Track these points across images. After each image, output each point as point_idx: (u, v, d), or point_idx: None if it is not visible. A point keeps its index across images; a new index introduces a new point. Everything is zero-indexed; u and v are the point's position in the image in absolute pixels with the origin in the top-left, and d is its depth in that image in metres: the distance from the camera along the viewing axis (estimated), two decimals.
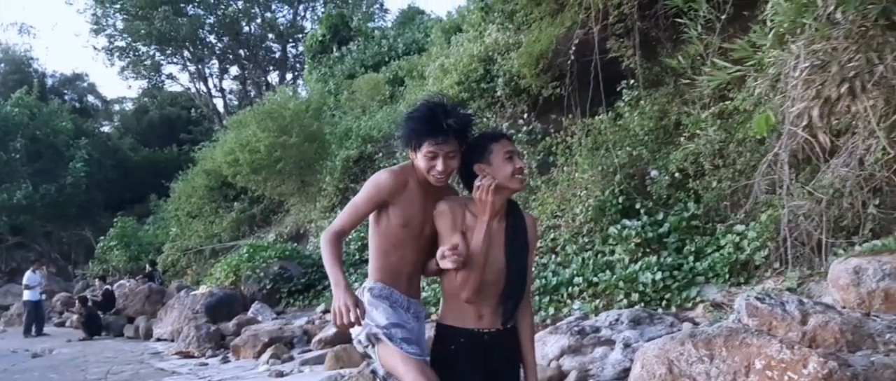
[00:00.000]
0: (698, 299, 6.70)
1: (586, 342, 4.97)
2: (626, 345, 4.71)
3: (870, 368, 3.86)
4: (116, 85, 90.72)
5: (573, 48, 10.87)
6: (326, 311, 11.77)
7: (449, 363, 2.45)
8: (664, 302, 6.77)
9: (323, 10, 36.46)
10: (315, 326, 10.26)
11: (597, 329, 5.10)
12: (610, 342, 4.96)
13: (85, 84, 42.99)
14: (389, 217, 2.53)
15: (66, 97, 40.21)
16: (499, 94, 12.79)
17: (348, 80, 22.91)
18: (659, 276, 6.88)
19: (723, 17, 5.28)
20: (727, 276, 6.97)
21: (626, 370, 4.36)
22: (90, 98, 43.29)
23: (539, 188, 10.54)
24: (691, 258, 7.38)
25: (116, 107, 44.32)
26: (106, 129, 40.45)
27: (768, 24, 4.16)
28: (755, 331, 3.94)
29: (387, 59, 23.30)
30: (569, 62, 10.94)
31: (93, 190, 29.28)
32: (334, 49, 25.53)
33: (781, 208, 6.18)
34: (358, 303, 2.26)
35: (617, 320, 5.19)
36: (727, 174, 7.83)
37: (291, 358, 8.77)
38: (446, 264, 2.32)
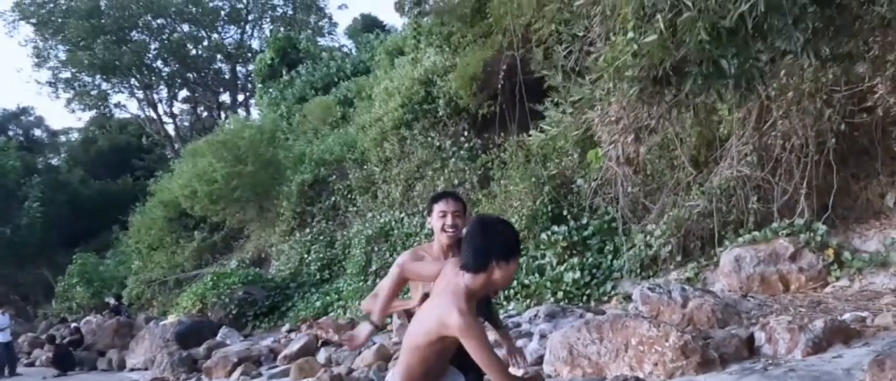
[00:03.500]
0: (613, 292, 7.73)
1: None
2: (542, 336, 5.67)
3: (725, 339, 4.89)
4: (64, 116, 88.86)
5: (502, 70, 11.92)
6: (291, 330, 12.50)
7: None
8: (585, 297, 7.79)
9: (271, 27, 36.81)
10: (281, 344, 11.00)
11: (518, 325, 6.07)
12: (529, 334, 5.93)
13: (31, 118, 42.38)
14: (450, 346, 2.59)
15: (11, 132, 39.60)
16: (440, 114, 13.74)
17: (299, 103, 23.58)
18: (579, 275, 7.90)
19: (576, 68, 6.45)
20: (639, 270, 8.03)
21: (542, 357, 5.31)
22: (37, 132, 42.69)
23: (480, 201, 11.49)
24: (610, 257, 8.43)
25: (63, 138, 43.63)
26: (54, 162, 39.94)
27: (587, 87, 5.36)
28: (633, 316, 4.95)
29: (336, 80, 24.00)
30: (499, 83, 11.98)
31: (47, 228, 29.17)
32: (284, 73, 26.09)
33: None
34: None
35: (535, 315, 6.18)
36: (637, 180, 8.91)
37: (260, 374, 9.53)
38: None
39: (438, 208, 3.24)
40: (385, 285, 3.23)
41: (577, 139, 7.21)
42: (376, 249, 13.09)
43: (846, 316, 5.27)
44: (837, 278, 6.60)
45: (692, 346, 4.51)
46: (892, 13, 4.35)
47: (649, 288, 5.96)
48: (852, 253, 6.78)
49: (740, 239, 7.26)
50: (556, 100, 6.83)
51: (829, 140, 6.97)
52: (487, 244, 2.43)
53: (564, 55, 6.61)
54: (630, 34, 4.23)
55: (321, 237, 15.65)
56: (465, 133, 13.42)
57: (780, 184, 7.50)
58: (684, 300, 5.75)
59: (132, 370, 13.41)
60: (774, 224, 7.25)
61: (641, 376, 4.43)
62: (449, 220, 3.20)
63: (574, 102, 5.88)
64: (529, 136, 11.17)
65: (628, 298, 7.44)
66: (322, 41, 34.20)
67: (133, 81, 36.47)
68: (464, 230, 3.14)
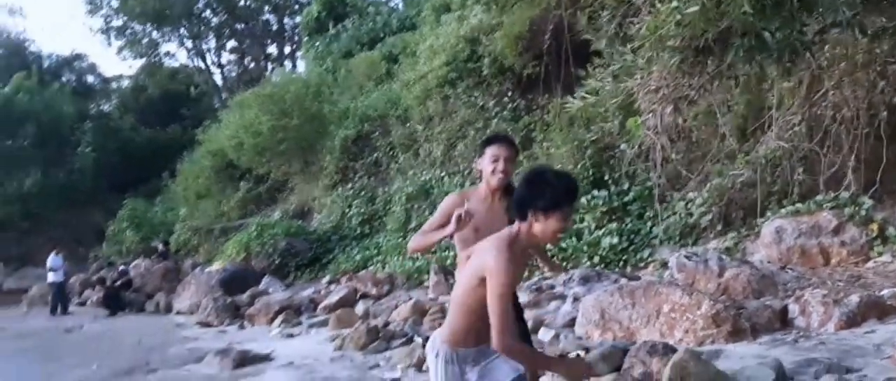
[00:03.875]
0: (650, 259, 7.74)
1: (543, 298, 6.04)
2: (575, 299, 5.77)
3: (758, 309, 4.90)
4: (115, 63, 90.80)
5: (549, 30, 11.77)
6: (331, 282, 12.84)
7: None
8: (622, 263, 7.82)
9: None
10: (321, 295, 11.34)
11: (552, 287, 6.16)
12: (563, 297, 6.03)
13: (84, 64, 43.16)
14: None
15: (65, 79, 40.54)
16: (485, 73, 13.66)
17: (345, 58, 23.67)
18: (617, 240, 7.92)
19: (621, 33, 6.36)
20: (678, 238, 8.00)
21: (574, 319, 5.42)
22: (90, 78, 43.54)
23: (521, 163, 11.49)
24: (649, 224, 8.41)
25: (114, 85, 44.40)
26: (105, 108, 40.80)
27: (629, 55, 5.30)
28: (666, 283, 4.99)
29: (382, 35, 23.96)
30: (545, 43, 11.85)
31: (99, 174, 30.11)
32: (330, 26, 26.14)
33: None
34: None
35: (569, 279, 6.26)
36: (681, 148, 8.82)
37: (300, 323, 9.87)
38: None
39: (491, 151, 3.28)
40: (430, 224, 3.34)
41: (619, 105, 7.19)
42: (416, 207, 13.25)
43: (884, 292, 5.20)
44: (880, 254, 6.49)
45: (724, 315, 4.55)
46: None
47: (686, 256, 5.98)
48: None
49: (783, 210, 7.17)
50: (597, 65, 6.79)
51: (881, 113, 6.79)
52: (528, 195, 2.40)
53: (608, 20, 6.54)
54: (674, 3, 4.19)
55: (363, 193, 15.88)
56: (509, 93, 13.37)
57: (828, 156, 7.34)
58: (721, 270, 5.75)
59: (178, 313, 13.96)
60: (819, 197, 7.13)
61: (671, 342, 4.49)
62: (501, 165, 3.23)
63: (615, 70, 5.87)
64: (573, 98, 11.13)
65: (665, 265, 7.44)
66: None
67: (182, 30, 37.01)
68: (513, 177, 3.24)
